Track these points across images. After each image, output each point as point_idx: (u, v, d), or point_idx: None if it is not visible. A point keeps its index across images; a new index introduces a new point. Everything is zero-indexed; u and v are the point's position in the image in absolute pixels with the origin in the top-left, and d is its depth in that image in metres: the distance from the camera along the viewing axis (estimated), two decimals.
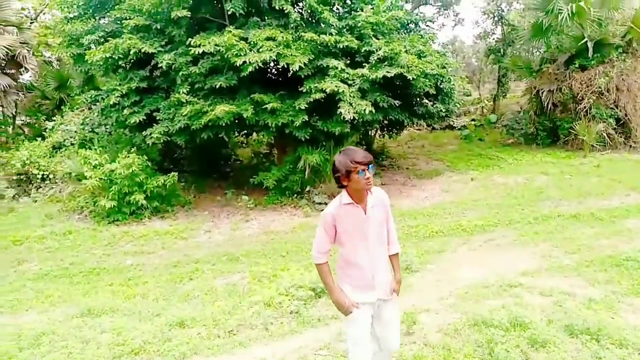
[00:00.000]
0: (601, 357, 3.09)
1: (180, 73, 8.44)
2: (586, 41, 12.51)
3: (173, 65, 8.41)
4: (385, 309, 2.67)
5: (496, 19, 17.13)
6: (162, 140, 8.62)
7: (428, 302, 4.31)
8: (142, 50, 8.34)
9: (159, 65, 8.47)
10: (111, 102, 8.65)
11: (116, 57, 8.54)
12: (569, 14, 12.11)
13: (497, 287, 4.55)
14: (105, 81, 9.44)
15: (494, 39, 18.42)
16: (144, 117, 8.77)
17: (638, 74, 12.36)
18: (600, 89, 12.30)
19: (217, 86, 8.28)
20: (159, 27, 8.79)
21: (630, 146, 12.44)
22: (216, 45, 7.90)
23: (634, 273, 4.71)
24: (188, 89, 8.47)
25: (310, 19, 9.26)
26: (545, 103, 13.47)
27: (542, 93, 13.48)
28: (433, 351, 3.34)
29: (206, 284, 5.57)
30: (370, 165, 2.43)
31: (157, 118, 8.73)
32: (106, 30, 9.25)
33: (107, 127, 11.21)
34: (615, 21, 12.88)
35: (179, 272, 6.16)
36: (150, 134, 8.55)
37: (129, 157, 8.33)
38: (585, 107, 12.51)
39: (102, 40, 9.01)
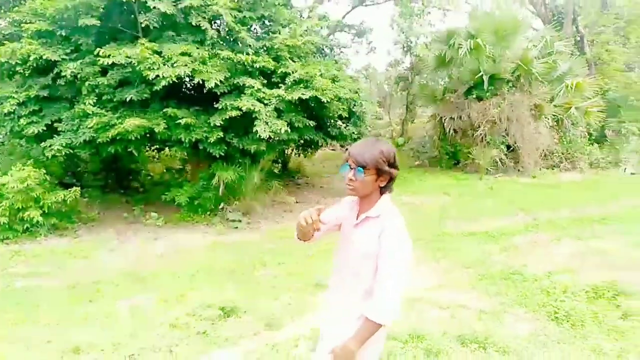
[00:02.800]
0: None
1: (87, 83, 8.01)
2: (482, 75, 13.81)
3: (79, 74, 7.97)
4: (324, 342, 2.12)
5: (405, 49, 18.29)
6: (63, 153, 8.06)
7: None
8: (44, 57, 7.81)
9: (63, 74, 7.99)
10: (5, 111, 7.96)
11: (13, 63, 7.92)
12: (467, 50, 13.33)
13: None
14: None
15: (403, 67, 19.62)
16: (44, 128, 8.15)
17: (525, 107, 13.83)
18: (494, 118, 13.59)
19: (128, 99, 7.97)
20: (64, 33, 8.29)
21: (519, 170, 13.81)
22: (127, 57, 7.63)
23: (519, 285, 5.22)
24: (95, 100, 8.05)
25: (227, 37, 9.27)
26: (448, 129, 14.59)
27: (445, 120, 14.59)
28: None
29: (107, 306, 5.26)
30: (358, 168, 1.93)
31: (59, 129, 8.17)
32: (2, 32, 8.56)
33: (0, 136, 10.25)
34: (506, 58, 14.37)
35: (77, 294, 5.74)
36: (51, 145, 7.95)
37: (24, 169, 7.68)
38: (481, 134, 13.74)
39: None
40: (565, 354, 3.56)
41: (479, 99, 14.13)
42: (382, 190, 2.03)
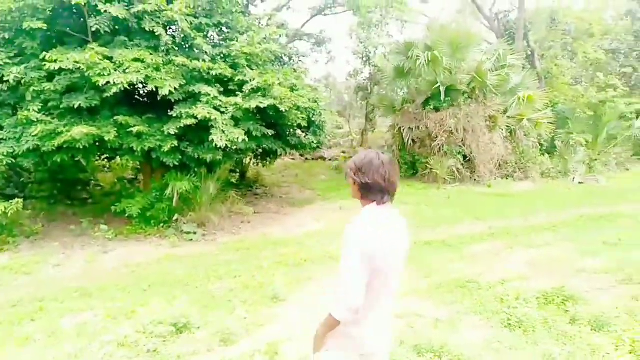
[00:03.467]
0: None
1: (32, 89, 7.60)
2: (439, 86, 14.14)
3: (23, 79, 7.56)
4: None
5: (364, 59, 18.52)
6: (5, 162, 7.59)
7: (292, 332, 4.34)
8: None
9: (5, 78, 7.55)
10: None
11: None
12: (425, 61, 13.63)
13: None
14: None
15: (363, 77, 19.85)
16: None
17: (480, 117, 14.24)
18: (450, 129, 13.91)
19: (76, 106, 7.62)
20: (7, 36, 7.87)
21: (475, 180, 14.17)
22: (76, 62, 7.30)
23: (475, 294, 5.27)
24: (40, 107, 7.64)
25: (183, 43, 9.06)
26: (406, 139, 14.83)
27: (404, 130, 14.82)
28: None
29: (51, 324, 4.94)
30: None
31: (0, 137, 7.70)
32: None
33: None
34: (462, 70, 14.78)
35: (18, 313, 5.37)
36: None
37: None
38: (439, 144, 14.03)
39: None
40: None
41: (437, 109, 14.45)
42: (364, 199, 2.14)
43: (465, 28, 15.73)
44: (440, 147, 14.04)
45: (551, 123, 15.94)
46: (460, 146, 14.14)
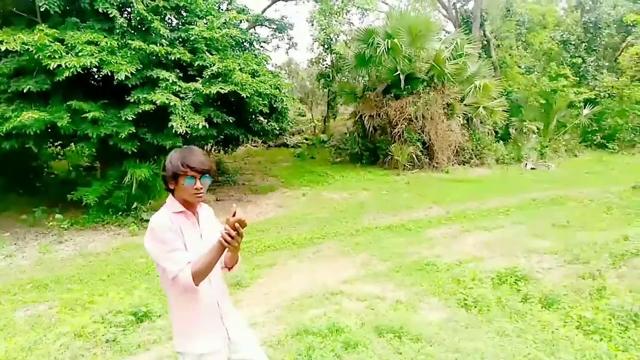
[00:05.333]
0: (401, 352, 3.51)
1: None
2: (399, 74, 14.32)
3: None
4: (241, 344, 2.26)
5: (325, 46, 18.47)
6: None
7: (255, 316, 4.38)
8: None
9: None
10: None
11: None
12: (385, 49, 13.75)
13: (321, 296, 4.85)
14: None
15: (324, 65, 19.80)
16: None
17: (439, 105, 14.55)
18: (410, 116, 14.15)
19: (25, 90, 7.27)
20: None
21: (434, 166, 14.52)
22: (24, 43, 6.96)
23: (432, 276, 5.45)
24: None
25: (139, 26, 8.75)
26: (368, 126, 14.99)
27: (365, 117, 14.97)
28: None
29: (3, 317, 4.77)
30: (205, 175, 2.04)
31: None
32: None
33: None
34: (421, 59, 15.02)
35: None
36: None
37: None
38: (399, 132, 14.25)
39: None
40: (473, 338, 3.76)
41: (397, 97, 14.65)
42: None
43: (424, 16, 15.93)
44: (400, 134, 14.27)
45: (505, 111, 16.50)
46: (419, 133, 14.42)
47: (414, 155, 14.15)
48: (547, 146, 17.48)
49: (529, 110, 18.51)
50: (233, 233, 1.80)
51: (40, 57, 7.04)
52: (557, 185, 11.98)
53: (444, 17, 24.71)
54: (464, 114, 15.47)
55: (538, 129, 17.88)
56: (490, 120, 16.28)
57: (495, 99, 15.98)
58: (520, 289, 4.73)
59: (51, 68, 7.08)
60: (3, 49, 6.95)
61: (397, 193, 11.18)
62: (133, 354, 3.72)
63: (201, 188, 2.04)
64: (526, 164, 15.82)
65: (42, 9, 7.55)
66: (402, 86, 14.48)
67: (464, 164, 15.28)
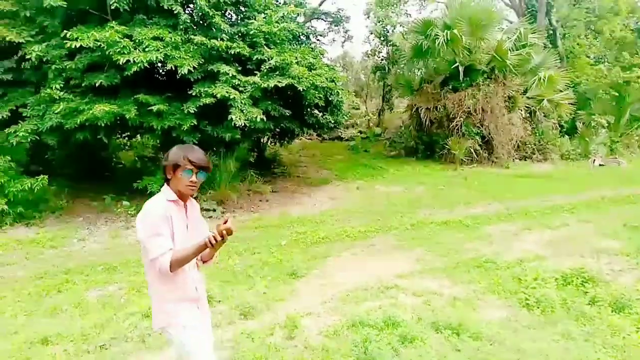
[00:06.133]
0: (460, 349, 3.44)
1: (53, 67, 7.72)
2: (458, 65, 13.92)
3: (45, 57, 7.66)
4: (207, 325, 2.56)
5: (382, 39, 18.26)
6: (29, 140, 7.76)
7: (311, 306, 4.44)
8: (7, 39, 7.48)
9: (27, 57, 7.66)
10: None
11: None
12: (444, 40, 13.40)
13: (376, 289, 4.84)
14: None
15: (380, 57, 19.60)
16: (8, 114, 7.85)
17: (499, 98, 14.03)
18: (469, 109, 13.75)
19: (97, 84, 7.71)
20: (28, 14, 7.96)
21: (493, 161, 14.05)
22: (96, 40, 7.37)
23: (491, 273, 5.30)
24: (62, 85, 7.76)
25: (201, 22, 9.05)
26: (424, 120, 14.71)
27: (421, 110, 14.70)
28: (313, 353, 3.45)
29: (77, 296, 5.12)
30: (201, 171, 2.24)
31: (24, 115, 7.86)
32: None
33: None
34: (481, 50, 14.51)
35: (45, 285, 5.57)
36: (15, 132, 7.65)
37: None
38: (457, 125, 13.89)
39: None
40: (536, 339, 3.62)
41: (455, 89, 14.27)
42: None
43: (485, 6, 15.34)
44: (458, 128, 13.90)
45: (572, 104, 15.63)
46: (478, 127, 13.98)
47: (472, 150, 13.75)
48: (617, 141, 16.44)
49: (599, 103, 17.45)
50: (219, 238, 1.99)
51: (111, 52, 7.43)
52: (629, 182, 11.25)
53: (506, 5, 23.72)
54: (527, 107, 14.83)
55: (608, 123, 16.81)
56: (555, 114, 15.51)
57: (561, 91, 15.19)
58: (588, 291, 4.50)
59: (120, 63, 7.46)
60: (78, 45, 7.39)
61: (454, 188, 10.92)
62: None
63: (196, 182, 2.24)
64: (594, 159, 14.95)
65: (112, 7, 7.97)
66: (460, 78, 14.09)
67: (525, 159, 14.68)
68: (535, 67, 14.97)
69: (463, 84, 14.13)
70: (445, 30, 13.56)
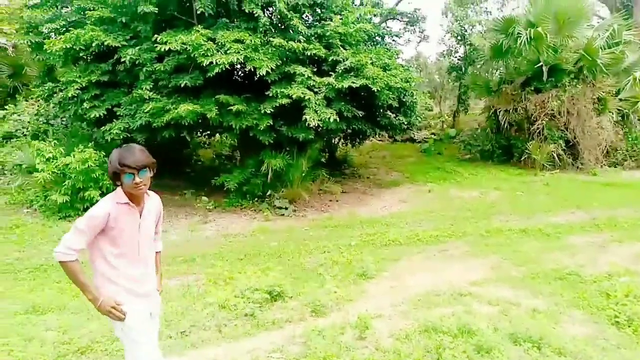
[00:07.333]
0: None
1: (144, 69, 8.29)
2: (541, 65, 13.17)
3: (137, 60, 8.24)
4: (155, 322, 2.63)
5: (459, 38, 17.72)
6: (121, 137, 8.39)
7: (381, 308, 4.42)
8: (105, 43, 8.12)
9: (122, 60, 8.28)
10: (70, 95, 8.35)
11: (77, 49, 8.26)
12: (527, 39, 12.72)
13: (448, 295, 4.72)
14: (64, 72, 9.09)
15: (456, 57, 19.03)
16: (104, 112, 8.54)
17: (587, 100, 13.08)
18: (552, 112, 12.95)
19: (182, 85, 8.18)
20: (124, 20, 8.59)
21: (578, 167, 13.14)
22: (183, 43, 7.81)
23: (575, 286, 4.98)
24: (151, 86, 8.31)
25: (279, 24, 9.30)
26: (502, 122, 14.05)
27: (499, 112, 14.05)
28: (384, 356, 3.43)
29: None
30: (142, 170, 2.28)
31: (118, 114, 8.51)
32: (68, 19, 8.98)
33: (64, 119, 10.79)
34: (568, 48, 13.60)
35: None
36: (110, 129, 8.32)
37: (85, 151, 8.06)
38: (538, 128, 13.14)
39: (63, 30, 8.76)
40: (627, 359, 3.36)
41: (537, 91, 13.49)
42: None
43: (573, 1, 14.36)
44: (539, 131, 13.14)
45: None
46: (562, 130, 13.13)
47: (554, 154, 12.93)
48: None
49: None
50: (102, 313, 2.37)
51: (196, 55, 7.84)
52: None
53: (597, 0, 22.07)
54: (619, 109, 13.70)
55: None
56: None
57: None
58: None
59: (204, 65, 7.85)
60: (167, 48, 7.88)
61: (533, 194, 10.35)
62: (268, 330, 4.00)
63: (141, 182, 2.29)
64: None
65: (198, 12, 8.41)
66: (544, 79, 13.30)
67: (615, 166, 13.57)
68: (630, 67, 13.78)
69: (547, 85, 13.32)
70: (529, 28, 12.85)
